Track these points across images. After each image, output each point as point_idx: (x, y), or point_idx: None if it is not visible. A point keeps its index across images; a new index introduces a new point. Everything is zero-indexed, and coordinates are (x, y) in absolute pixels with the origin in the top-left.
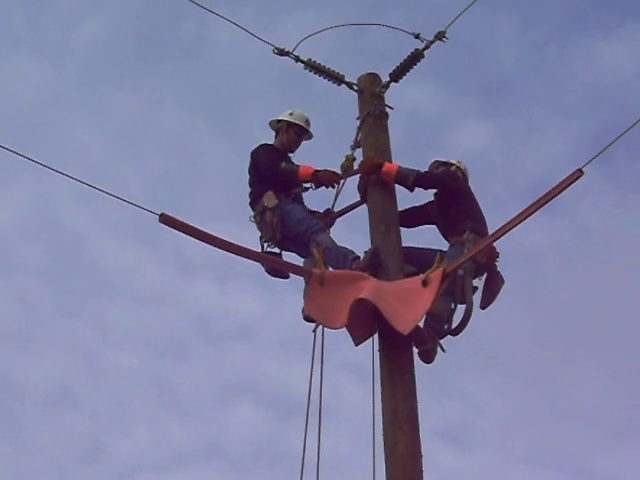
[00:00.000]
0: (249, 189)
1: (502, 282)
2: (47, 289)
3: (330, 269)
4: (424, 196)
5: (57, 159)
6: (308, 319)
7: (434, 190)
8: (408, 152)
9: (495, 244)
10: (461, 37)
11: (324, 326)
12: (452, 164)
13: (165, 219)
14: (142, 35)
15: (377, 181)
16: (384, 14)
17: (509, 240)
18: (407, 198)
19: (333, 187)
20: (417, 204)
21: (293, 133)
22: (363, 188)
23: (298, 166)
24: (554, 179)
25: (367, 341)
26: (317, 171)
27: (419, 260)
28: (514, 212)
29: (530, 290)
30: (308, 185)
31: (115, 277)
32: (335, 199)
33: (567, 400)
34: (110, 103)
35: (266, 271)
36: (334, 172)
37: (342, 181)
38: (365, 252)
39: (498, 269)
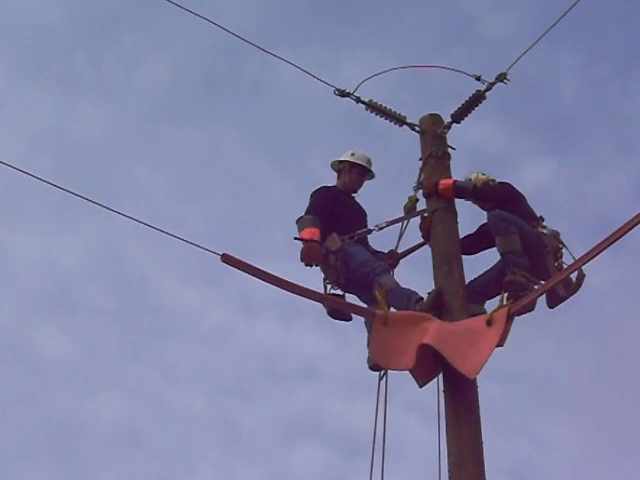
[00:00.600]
0: None
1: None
2: (112, 330)
3: (393, 310)
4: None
5: (121, 200)
6: (374, 368)
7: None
8: None
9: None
10: (524, 74)
11: (389, 369)
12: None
13: (227, 259)
14: (205, 75)
15: (439, 221)
16: (447, 52)
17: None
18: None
19: (310, 266)
20: (471, 232)
21: (355, 173)
22: (426, 228)
23: (306, 227)
24: (619, 215)
25: (432, 381)
26: (310, 240)
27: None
28: (578, 249)
29: (597, 328)
30: (372, 227)
31: (179, 317)
32: (399, 240)
33: (636, 439)
34: (173, 143)
35: (328, 313)
36: (317, 251)
37: (405, 222)
38: (428, 293)
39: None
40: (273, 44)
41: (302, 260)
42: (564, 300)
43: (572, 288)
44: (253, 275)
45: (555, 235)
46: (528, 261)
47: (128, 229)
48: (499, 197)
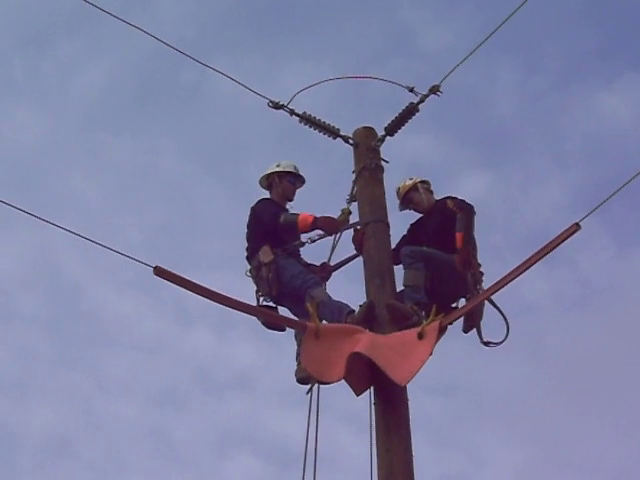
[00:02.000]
0: (246, 243)
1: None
2: (45, 338)
3: (325, 322)
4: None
5: (56, 208)
6: (302, 382)
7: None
8: None
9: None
10: (461, 86)
11: (320, 381)
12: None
13: (159, 271)
14: (142, 84)
15: (372, 234)
16: (385, 63)
17: (508, 290)
18: None
19: (333, 234)
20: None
21: (287, 182)
22: (358, 241)
23: (298, 215)
24: (553, 228)
25: (365, 393)
26: (316, 218)
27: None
28: (514, 261)
29: (530, 340)
30: (304, 240)
31: (113, 326)
32: (331, 252)
33: (568, 450)
34: (109, 152)
35: (262, 323)
36: (333, 219)
37: (338, 235)
38: (360, 306)
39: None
40: (212, 52)
41: (329, 234)
42: (474, 326)
43: (478, 316)
44: (186, 288)
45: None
46: (431, 294)
47: (63, 237)
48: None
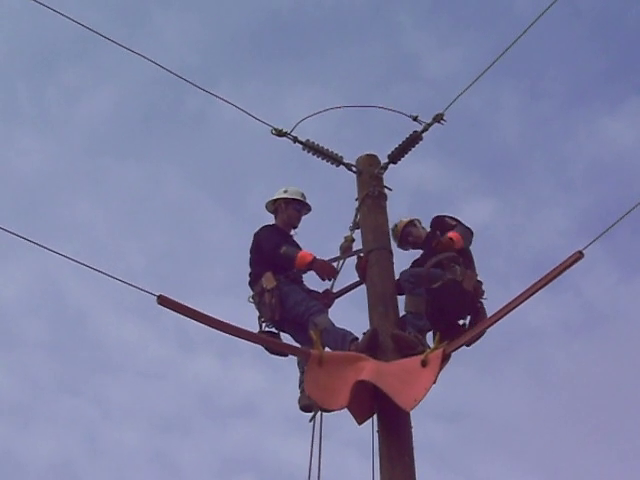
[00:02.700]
0: (249, 269)
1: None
2: (49, 364)
3: (328, 350)
4: None
5: (60, 233)
6: (305, 409)
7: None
8: None
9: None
10: (465, 112)
11: (323, 409)
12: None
13: (163, 300)
14: (146, 110)
15: (375, 262)
16: (389, 89)
17: (513, 316)
18: None
19: (329, 280)
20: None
21: (292, 209)
22: (362, 268)
23: (298, 252)
24: (558, 255)
25: (368, 421)
26: (315, 260)
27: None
28: (517, 287)
29: (535, 367)
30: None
31: (117, 353)
32: (334, 280)
33: (570, 477)
34: (113, 178)
35: (266, 348)
36: (331, 265)
37: (341, 262)
38: (364, 333)
39: (484, 306)
40: (216, 78)
41: (323, 279)
42: (477, 339)
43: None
44: (189, 317)
45: (471, 276)
46: (432, 320)
47: (67, 264)
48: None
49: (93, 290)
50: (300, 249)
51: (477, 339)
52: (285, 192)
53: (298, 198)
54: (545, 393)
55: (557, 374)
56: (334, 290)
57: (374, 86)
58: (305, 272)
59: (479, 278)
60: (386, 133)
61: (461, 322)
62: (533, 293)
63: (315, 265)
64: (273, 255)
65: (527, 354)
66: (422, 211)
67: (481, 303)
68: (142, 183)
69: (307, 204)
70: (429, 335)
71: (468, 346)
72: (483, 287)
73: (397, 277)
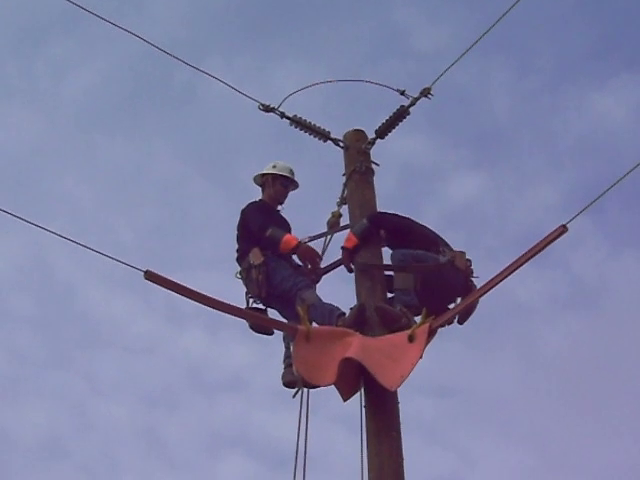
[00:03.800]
0: (236, 245)
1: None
2: (37, 339)
3: (315, 325)
4: None
5: (48, 208)
6: (288, 385)
7: None
8: (401, 204)
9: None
10: (454, 87)
11: (309, 384)
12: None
13: (150, 276)
14: (135, 84)
15: (363, 246)
16: (379, 64)
17: (500, 292)
18: None
19: (312, 266)
20: None
21: (279, 185)
22: (347, 260)
23: (283, 235)
24: (546, 229)
25: (355, 395)
26: (299, 245)
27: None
28: (506, 262)
29: (523, 341)
30: None
31: (105, 327)
32: (322, 255)
33: (562, 452)
34: (102, 152)
35: (250, 327)
36: (315, 251)
37: (328, 238)
38: (351, 309)
39: (475, 284)
40: (205, 52)
41: (306, 265)
42: (469, 316)
43: (472, 306)
44: (177, 292)
45: (462, 255)
46: (422, 296)
47: (55, 239)
48: (395, 224)
49: (81, 265)
50: (286, 232)
51: (467, 316)
52: (274, 167)
53: (286, 174)
54: (534, 368)
55: (546, 349)
56: (321, 266)
57: (363, 61)
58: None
59: (468, 257)
60: (374, 108)
61: (451, 306)
62: (518, 267)
63: (299, 250)
64: (260, 235)
65: (516, 329)
66: (410, 186)
67: (472, 282)
68: (130, 158)
69: (294, 181)
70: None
71: (461, 324)
72: (472, 266)
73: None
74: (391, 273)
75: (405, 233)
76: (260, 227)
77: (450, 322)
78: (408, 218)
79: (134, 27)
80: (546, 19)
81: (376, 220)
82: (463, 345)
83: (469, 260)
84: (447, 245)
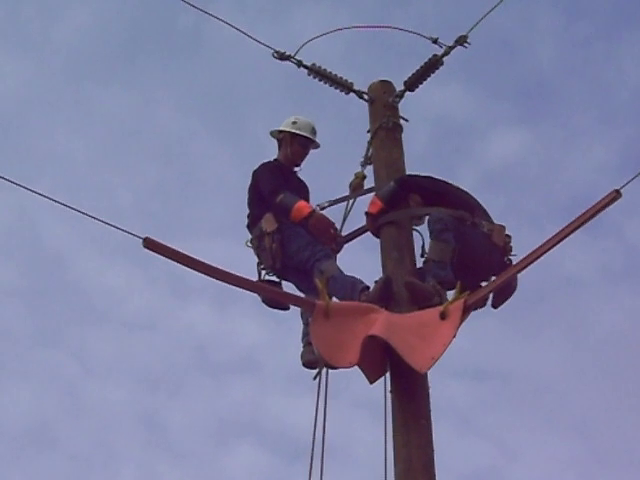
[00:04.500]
0: (248, 210)
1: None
2: (23, 313)
3: (335, 300)
4: None
5: (37, 166)
6: (308, 365)
7: None
8: (433, 164)
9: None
10: (494, 33)
11: (330, 365)
12: None
13: (149, 244)
14: (133, 28)
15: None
16: (409, 5)
17: (546, 263)
18: None
19: (325, 240)
20: None
21: (298, 145)
22: (372, 226)
23: (296, 201)
24: (597, 193)
25: (380, 379)
26: (312, 214)
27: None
28: (552, 229)
29: (570, 319)
30: (313, 207)
31: (100, 300)
32: (343, 222)
33: (610, 444)
34: (97, 104)
35: (263, 301)
36: (330, 224)
37: (351, 202)
38: (375, 282)
39: (512, 263)
40: None
41: (319, 239)
42: (507, 299)
43: (511, 287)
44: (180, 262)
45: (501, 230)
46: (470, 266)
47: (44, 201)
48: (429, 187)
49: (73, 231)
50: (300, 198)
51: (503, 298)
52: (294, 124)
53: (306, 135)
54: (583, 349)
55: (597, 328)
56: (343, 233)
57: (392, 3)
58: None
59: (507, 232)
60: (403, 57)
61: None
62: (563, 238)
63: (312, 220)
64: (270, 201)
65: (563, 305)
66: (443, 144)
67: (510, 260)
68: (128, 111)
69: (315, 141)
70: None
71: (495, 307)
72: (511, 243)
73: None
74: None
75: (441, 196)
76: (271, 191)
77: (483, 304)
78: (443, 180)
79: None
80: None
81: (406, 183)
82: (502, 323)
83: (508, 236)
84: (487, 215)
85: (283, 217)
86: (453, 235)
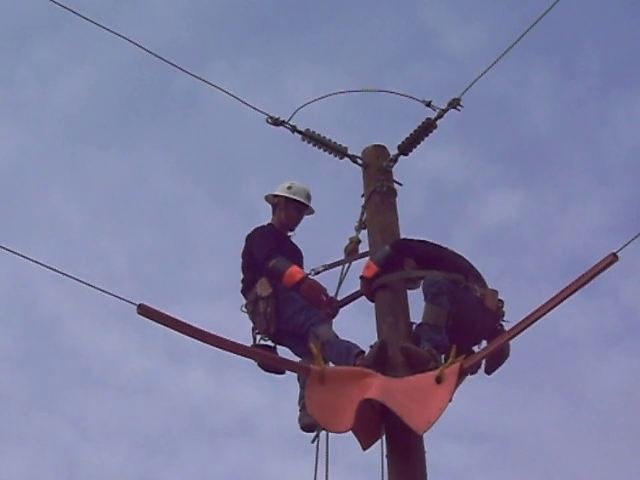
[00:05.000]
0: (242, 274)
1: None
2: (20, 378)
3: (331, 365)
4: None
5: (33, 230)
6: (306, 429)
7: None
8: (428, 227)
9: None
10: (489, 93)
11: (327, 430)
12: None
13: (144, 310)
14: (130, 92)
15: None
16: (405, 68)
17: (541, 325)
18: None
19: (317, 306)
20: None
21: (292, 210)
22: (366, 291)
23: (289, 266)
24: (593, 254)
25: (376, 443)
26: (304, 280)
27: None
28: (547, 290)
29: (568, 380)
30: (307, 272)
31: (96, 365)
32: (338, 286)
33: None
34: (93, 168)
35: (259, 365)
36: (321, 290)
37: (346, 266)
38: (371, 346)
39: (504, 328)
40: (209, 55)
41: (311, 304)
42: (499, 365)
43: (504, 353)
44: (174, 329)
45: (493, 294)
46: (451, 334)
47: (40, 267)
48: (423, 252)
49: (68, 296)
50: (293, 263)
51: (496, 365)
52: (289, 189)
53: (301, 200)
54: (581, 412)
55: (594, 390)
56: (338, 298)
57: (385, 66)
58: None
59: (500, 296)
60: (396, 120)
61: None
62: (559, 302)
63: (304, 286)
64: (262, 266)
65: (559, 367)
66: (438, 207)
67: (501, 326)
68: (124, 174)
69: (310, 207)
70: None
71: (489, 374)
72: (504, 308)
73: None
74: None
75: (435, 260)
76: (264, 256)
77: (475, 370)
78: (437, 244)
79: (128, 28)
80: (593, 15)
81: (400, 247)
82: (499, 385)
83: (501, 301)
84: (481, 279)
85: (276, 282)
86: (448, 298)
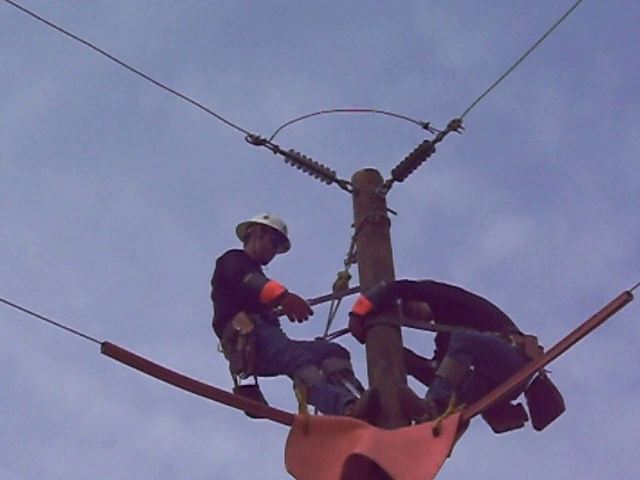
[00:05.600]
0: (213, 305)
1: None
2: None
3: (318, 414)
4: None
5: None
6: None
7: None
8: (426, 258)
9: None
10: (491, 112)
11: None
12: None
13: (109, 350)
14: (93, 107)
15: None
16: (398, 81)
17: (551, 368)
18: None
19: (300, 321)
20: None
21: (268, 239)
22: (356, 329)
23: (266, 281)
24: (605, 289)
25: None
26: (285, 294)
27: None
28: (555, 328)
29: (579, 431)
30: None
31: (55, 413)
32: (328, 325)
33: None
34: (51, 192)
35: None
36: (304, 303)
37: (335, 302)
38: (362, 394)
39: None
40: (181, 66)
41: (293, 319)
42: (553, 419)
43: (559, 405)
44: (142, 370)
45: (533, 342)
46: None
47: None
48: (443, 297)
49: (24, 334)
50: (269, 279)
51: (553, 416)
52: (265, 218)
53: (278, 228)
54: (594, 464)
55: (609, 440)
56: (327, 338)
57: (378, 80)
58: (274, 307)
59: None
60: (390, 142)
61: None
62: (568, 346)
63: (286, 300)
64: (236, 284)
65: (571, 415)
66: (436, 237)
67: (544, 376)
68: (87, 199)
69: (286, 239)
70: None
71: (539, 429)
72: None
73: None
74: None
75: (456, 307)
76: (237, 272)
77: (520, 425)
78: (458, 287)
79: (92, 36)
80: (607, 25)
81: (401, 288)
82: (502, 437)
83: (541, 347)
84: (512, 324)
85: (250, 302)
86: (472, 358)
